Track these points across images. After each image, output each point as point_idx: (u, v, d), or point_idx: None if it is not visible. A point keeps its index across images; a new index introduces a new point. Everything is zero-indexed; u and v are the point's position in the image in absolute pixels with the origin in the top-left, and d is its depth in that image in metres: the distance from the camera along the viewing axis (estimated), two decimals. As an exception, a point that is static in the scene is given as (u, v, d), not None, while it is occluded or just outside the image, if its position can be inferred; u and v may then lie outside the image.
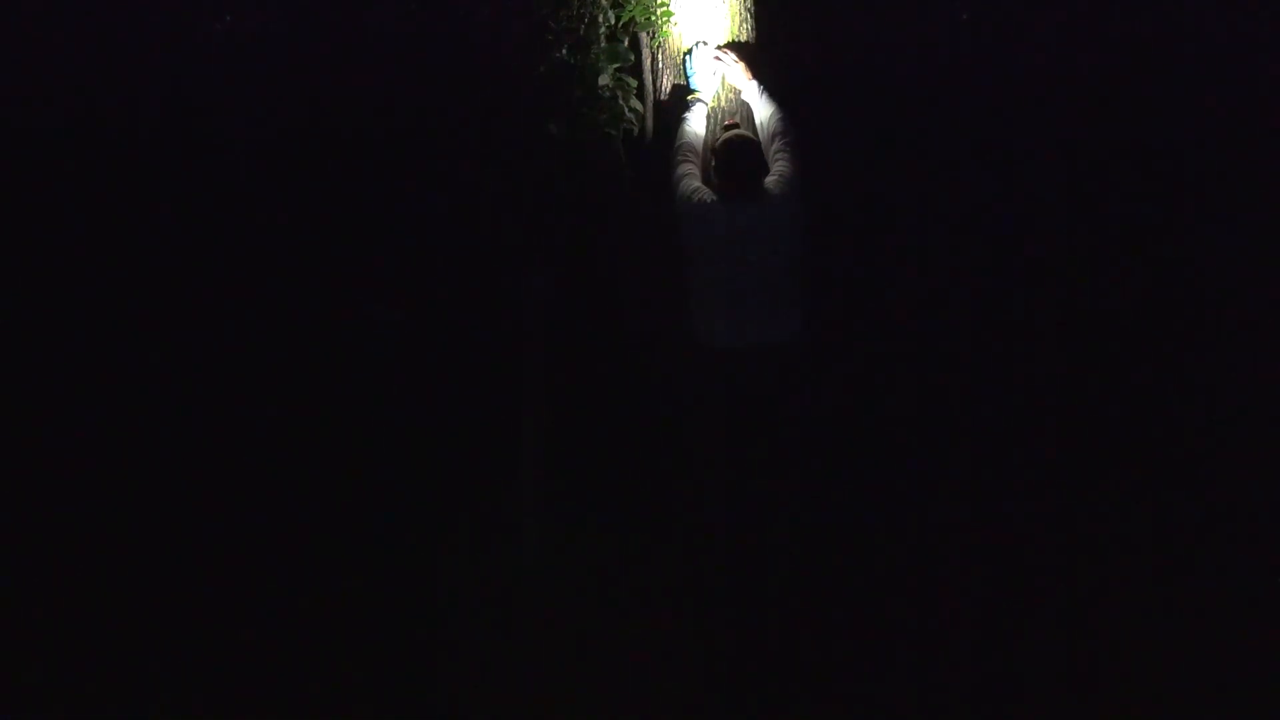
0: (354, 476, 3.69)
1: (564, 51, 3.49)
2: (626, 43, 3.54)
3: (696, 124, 3.34)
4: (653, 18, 3.46)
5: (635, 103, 3.55)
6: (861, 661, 2.83)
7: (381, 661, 2.83)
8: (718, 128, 3.41)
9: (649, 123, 3.59)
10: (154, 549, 3.34)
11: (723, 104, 3.48)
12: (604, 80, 3.48)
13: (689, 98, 3.39)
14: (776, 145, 3.24)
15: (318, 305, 4.13)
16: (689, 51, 3.41)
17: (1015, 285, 4.77)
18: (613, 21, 3.51)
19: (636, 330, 3.65)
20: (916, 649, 2.86)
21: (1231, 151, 5.24)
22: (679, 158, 3.25)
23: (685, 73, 3.42)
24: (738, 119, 3.44)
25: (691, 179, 3.19)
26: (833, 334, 3.79)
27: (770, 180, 3.16)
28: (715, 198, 3.13)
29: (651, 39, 3.55)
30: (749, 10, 3.54)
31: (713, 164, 3.27)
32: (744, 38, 3.51)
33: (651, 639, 2.88)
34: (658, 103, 3.58)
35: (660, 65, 3.57)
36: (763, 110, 3.33)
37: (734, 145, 3.20)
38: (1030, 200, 5.04)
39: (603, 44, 3.50)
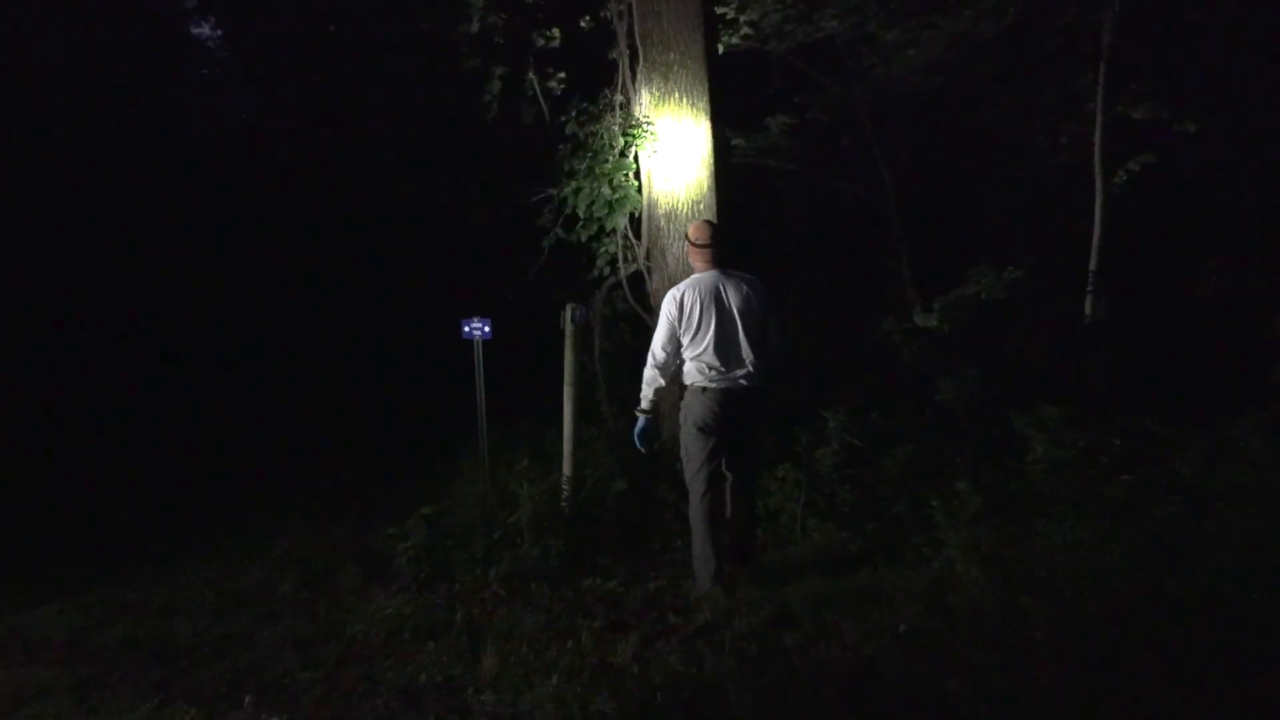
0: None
1: (591, 162, 5.39)
2: (631, 156, 5.48)
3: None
4: (648, 142, 5.39)
5: (636, 195, 5.45)
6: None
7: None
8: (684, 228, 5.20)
9: (644, 208, 5.49)
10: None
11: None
12: (618, 179, 5.37)
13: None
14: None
15: (435, 323, 6.03)
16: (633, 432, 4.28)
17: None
18: (622, 143, 5.44)
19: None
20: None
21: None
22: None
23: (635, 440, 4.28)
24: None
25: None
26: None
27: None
28: (692, 282, 4.03)
29: (647, 155, 5.47)
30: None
31: (688, 244, 4.13)
32: (705, 173, 5.44)
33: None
34: (650, 195, 5.48)
35: (652, 171, 5.47)
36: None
37: (703, 224, 4.13)
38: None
39: (617, 156, 5.42)
